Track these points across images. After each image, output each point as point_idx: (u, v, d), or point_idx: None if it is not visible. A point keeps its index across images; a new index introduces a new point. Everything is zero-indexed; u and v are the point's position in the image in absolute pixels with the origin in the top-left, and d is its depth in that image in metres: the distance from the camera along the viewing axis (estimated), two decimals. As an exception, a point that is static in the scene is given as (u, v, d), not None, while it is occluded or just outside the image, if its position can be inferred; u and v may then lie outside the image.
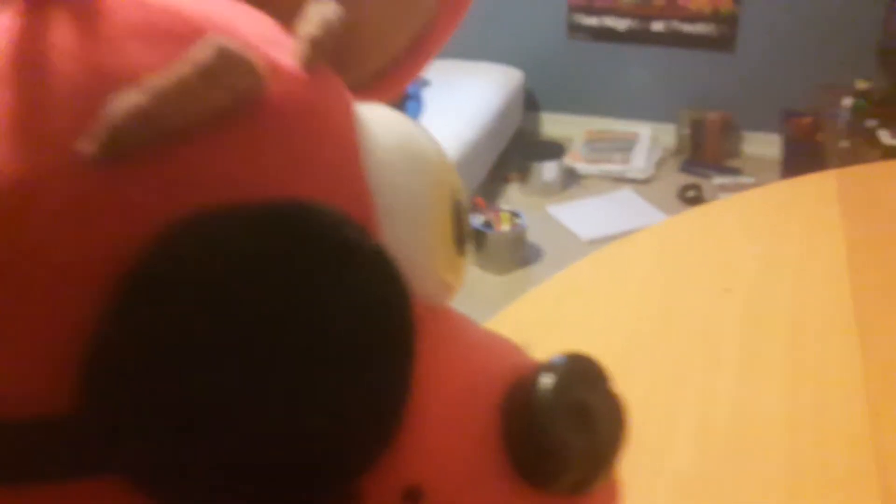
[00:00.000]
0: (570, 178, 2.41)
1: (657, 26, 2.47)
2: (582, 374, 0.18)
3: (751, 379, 0.49)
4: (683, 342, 0.52)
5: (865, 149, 1.93)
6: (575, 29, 2.55)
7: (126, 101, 0.14)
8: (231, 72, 0.15)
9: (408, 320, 0.17)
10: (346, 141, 0.18)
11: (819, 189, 0.71)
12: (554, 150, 2.38)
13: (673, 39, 2.47)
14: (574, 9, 2.52)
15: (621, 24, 2.50)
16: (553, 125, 2.70)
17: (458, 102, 2.20)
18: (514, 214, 2.00)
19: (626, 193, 2.34)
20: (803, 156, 2.20)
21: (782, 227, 0.66)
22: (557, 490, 0.17)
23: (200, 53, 0.14)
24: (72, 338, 0.15)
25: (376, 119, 0.19)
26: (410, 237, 0.18)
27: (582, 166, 2.45)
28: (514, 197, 2.34)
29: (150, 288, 0.15)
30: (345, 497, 0.17)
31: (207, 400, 0.15)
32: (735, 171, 2.45)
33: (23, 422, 0.15)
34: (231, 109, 0.15)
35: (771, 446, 0.43)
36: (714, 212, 0.71)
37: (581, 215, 2.21)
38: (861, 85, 2.17)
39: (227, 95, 0.15)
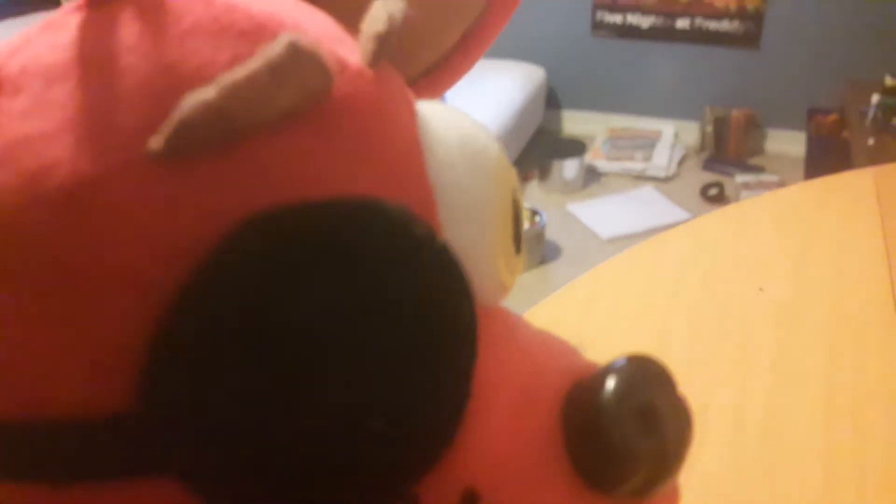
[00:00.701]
0: (591, 176, 2.40)
1: (682, 23, 2.45)
2: (646, 377, 0.18)
3: (785, 381, 0.48)
4: (716, 342, 0.52)
5: (893, 147, 1.90)
6: (599, 26, 2.53)
7: (196, 97, 0.14)
8: (302, 69, 0.15)
9: (471, 321, 0.17)
10: (410, 139, 0.17)
11: (855, 187, 0.69)
12: (575, 147, 2.37)
13: (697, 36, 2.45)
14: (598, 6, 2.51)
15: (645, 21, 2.48)
16: (575, 123, 2.69)
17: (480, 100, 2.19)
18: (534, 212, 1.99)
19: (648, 191, 2.32)
20: (828, 154, 2.17)
21: (817, 226, 0.65)
22: (620, 494, 0.17)
23: (272, 50, 0.14)
24: (135, 336, 0.14)
25: (436, 116, 0.18)
26: (472, 236, 0.18)
27: (603, 164, 2.43)
28: (533, 194, 2.33)
29: (216, 286, 0.14)
30: (402, 499, 0.16)
31: (269, 399, 0.15)
32: (758, 169, 2.42)
33: (80, 421, 0.15)
34: (301, 107, 0.15)
35: (806, 449, 0.43)
36: (747, 210, 0.70)
37: (601, 213, 2.20)
38: (890, 82, 2.13)
39: (297, 93, 0.15)
